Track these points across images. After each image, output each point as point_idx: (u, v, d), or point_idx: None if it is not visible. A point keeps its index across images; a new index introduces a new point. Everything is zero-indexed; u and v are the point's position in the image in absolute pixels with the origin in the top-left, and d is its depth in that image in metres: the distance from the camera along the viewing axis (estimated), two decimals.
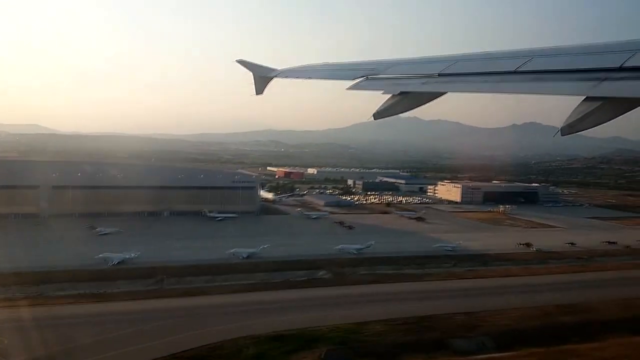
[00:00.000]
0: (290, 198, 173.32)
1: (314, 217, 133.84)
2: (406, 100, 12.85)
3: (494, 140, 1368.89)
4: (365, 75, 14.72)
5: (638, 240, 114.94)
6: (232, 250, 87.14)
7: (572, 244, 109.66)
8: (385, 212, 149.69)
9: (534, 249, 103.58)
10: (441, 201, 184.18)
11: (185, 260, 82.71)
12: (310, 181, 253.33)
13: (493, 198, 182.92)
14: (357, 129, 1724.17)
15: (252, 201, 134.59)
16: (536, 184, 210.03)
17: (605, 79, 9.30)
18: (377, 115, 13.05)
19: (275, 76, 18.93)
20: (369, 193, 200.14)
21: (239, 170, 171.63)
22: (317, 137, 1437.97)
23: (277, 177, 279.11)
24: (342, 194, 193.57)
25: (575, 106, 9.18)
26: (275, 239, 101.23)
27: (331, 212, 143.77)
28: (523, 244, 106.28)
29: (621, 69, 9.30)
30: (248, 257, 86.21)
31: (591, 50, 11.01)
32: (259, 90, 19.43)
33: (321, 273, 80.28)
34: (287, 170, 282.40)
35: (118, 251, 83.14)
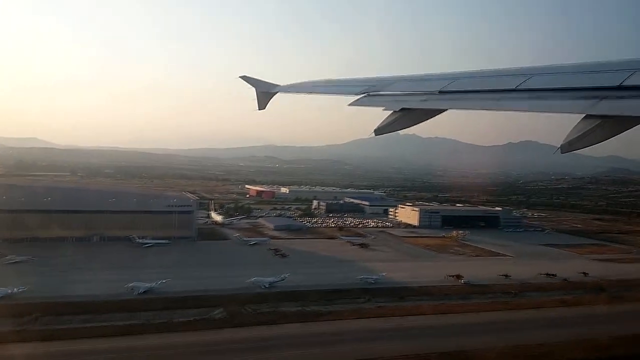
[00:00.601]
0: (243, 220, 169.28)
1: (252, 243, 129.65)
2: (407, 116, 13.13)
3: (490, 158, 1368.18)
4: (366, 91, 15.16)
5: (580, 273, 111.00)
6: (130, 285, 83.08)
7: (506, 275, 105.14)
8: (332, 238, 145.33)
9: (462, 282, 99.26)
10: (400, 225, 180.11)
11: (75, 295, 78.65)
12: (280, 201, 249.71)
13: (452, 222, 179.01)
14: (356, 145, 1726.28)
15: (188, 226, 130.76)
16: (499, 208, 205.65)
17: (605, 98, 9.54)
18: (378, 131, 13.35)
19: (278, 92, 19.47)
20: (330, 215, 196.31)
21: (185, 193, 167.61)
22: (315, 153, 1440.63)
23: (247, 195, 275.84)
24: (303, 216, 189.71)
25: (574, 124, 9.44)
26: (187, 271, 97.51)
27: (276, 237, 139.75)
28: (453, 276, 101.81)
29: (620, 87, 9.51)
30: (145, 292, 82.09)
31: (590, 69, 11.17)
32: (262, 105, 20.00)
33: (216, 312, 76.01)
34: (259, 189, 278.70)
35: (7, 284, 79.25)
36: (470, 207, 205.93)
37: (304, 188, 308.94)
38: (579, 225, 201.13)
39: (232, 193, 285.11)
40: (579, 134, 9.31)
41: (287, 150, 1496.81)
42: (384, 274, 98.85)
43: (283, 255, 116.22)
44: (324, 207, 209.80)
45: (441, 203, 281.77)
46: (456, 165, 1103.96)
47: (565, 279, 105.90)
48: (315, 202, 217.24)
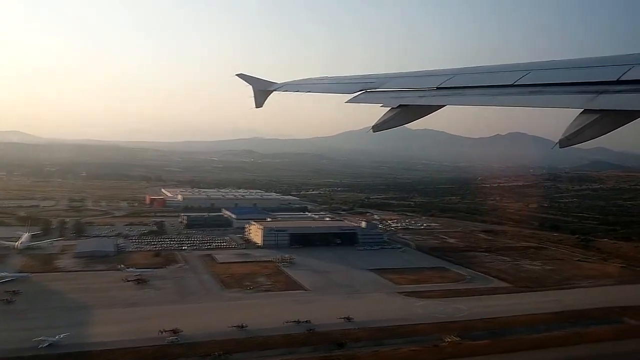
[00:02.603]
0: (58, 243, 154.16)
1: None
2: (405, 113, 13.60)
3: (477, 150, 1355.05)
4: (364, 88, 15.65)
5: (343, 318, 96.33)
6: None
7: (241, 327, 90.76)
8: (117, 269, 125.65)
9: (170, 340, 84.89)
10: (248, 243, 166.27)
11: None
12: (167, 210, 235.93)
13: (302, 240, 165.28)
14: (344, 137, 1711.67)
15: None
16: (364, 222, 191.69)
17: (603, 92, 9.79)
18: (376, 128, 13.84)
19: (275, 90, 20.07)
20: (185, 232, 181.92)
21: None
22: (301, 146, 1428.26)
23: (146, 202, 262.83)
24: (151, 234, 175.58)
25: (564, 116, 9.81)
26: None
27: (54, 270, 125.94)
28: (167, 331, 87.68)
29: (619, 82, 9.79)
30: None
31: (589, 64, 11.42)
32: (259, 103, 20.58)
33: None
34: (152, 196, 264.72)
35: None
36: (331, 222, 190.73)
37: (213, 193, 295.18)
38: (452, 241, 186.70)
39: (133, 200, 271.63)
40: (577, 128, 9.40)
41: (272, 144, 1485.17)
42: (66, 333, 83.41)
43: (8, 301, 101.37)
44: (185, 221, 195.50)
45: (351, 209, 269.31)
46: (442, 158, 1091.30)
47: (311, 330, 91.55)
48: (183, 216, 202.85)
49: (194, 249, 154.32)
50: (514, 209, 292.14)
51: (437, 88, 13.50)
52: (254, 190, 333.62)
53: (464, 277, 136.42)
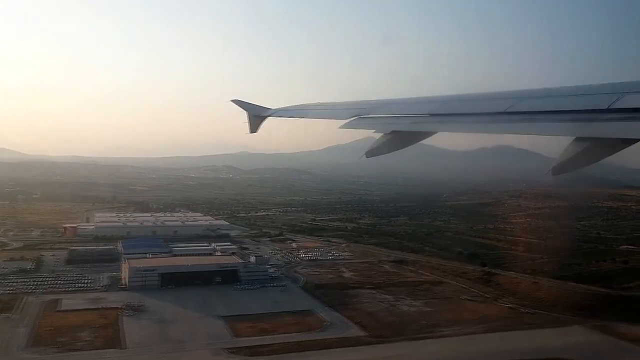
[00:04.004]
0: None
1: None
2: (398, 138, 13.95)
3: (464, 164, 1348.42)
4: (357, 114, 16.17)
5: None
6: None
7: None
8: None
9: None
10: (117, 284, 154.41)
11: None
12: (74, 240, 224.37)
13: (175, 280, 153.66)
14: (331, 151, 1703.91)
15: None
16: (255, 256, 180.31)
17: (594, 120, 10.01)
18: (370, 153, 14.27)
19: (270, 115, 20.65)
20: (68, 267, 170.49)
21: None
22: (286, 160, 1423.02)
23: (63, 231, 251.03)
24: (26, 272, 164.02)
25: (561, 144, 9.98)
26: None
27: None
28: None
29: (609, 110, 9.98)
30: None
31: (580, 92, 11.74)
32: (254, 129, 20.90)
33: None
34: (67, 225, 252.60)
35: None
36: (213, 258, 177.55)
37: (145, 218, 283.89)
38: (348, 275, 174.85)
39: (52, 228, 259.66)
40: (570, 156, 9.63)
41: (258, 158, 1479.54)
42: None
43: None
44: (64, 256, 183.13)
45: (274, 237, 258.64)
46: (427, 172, 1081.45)
47: None
48: (71, 249, 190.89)
49: (46, 292, 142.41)
50: (452, 232, 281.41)
51: (430, 115, 13.90)
52: (192, 214, 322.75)
53: (322, 324, 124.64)
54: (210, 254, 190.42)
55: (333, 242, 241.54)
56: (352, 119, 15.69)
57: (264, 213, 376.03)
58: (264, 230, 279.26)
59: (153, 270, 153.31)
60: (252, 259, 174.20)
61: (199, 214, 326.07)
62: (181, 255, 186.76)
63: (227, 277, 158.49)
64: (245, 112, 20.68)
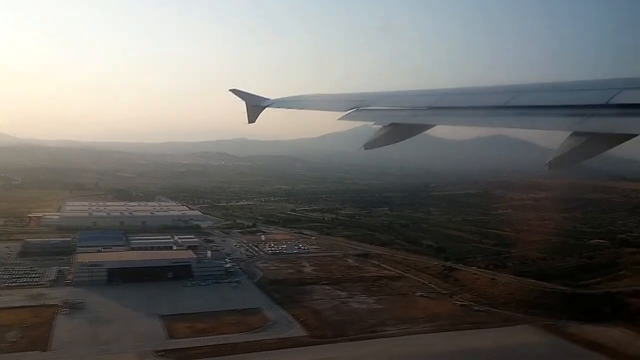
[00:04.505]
0: None
1: None
2: (396, 131, 14.15)
3: (460, 153, 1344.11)
4: (356, 107, 16.24)
5: None
6: None
7: None
8: None
9: None
10: (65, 279, 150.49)
11: None
12: (37, 231, 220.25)
13: (125, 276, 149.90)
14: (328, 139, 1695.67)
15: None
16: (212, 250, 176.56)
17: (592, 115, 10.07)
18: (368, 145, 14.39)
19: (268, 106, 20.75)
20: (19, 261, 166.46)
21: None
22: (282, 148, 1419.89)
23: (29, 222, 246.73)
24: None
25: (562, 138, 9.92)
26: None
27: None
28: None
29: (607, 105, 10.02)
30: None
31: (578, 87, 11.74)
32: (252, 119, 21.14)
33: None
34: (32, 214, 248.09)
35: None
36: (167, 253, 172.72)
37: (115, 207, 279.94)
38: (308, 270, 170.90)
39: (18, 218, 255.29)
40: (567, 150, 9.63)
41: (254, 145, 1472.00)
42: None
43: None
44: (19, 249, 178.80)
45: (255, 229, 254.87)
46: (422, 161, 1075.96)
47: None
48: (25, 241, 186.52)
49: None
50: (429, 224, 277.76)
51: (429, 108, 13.91)
52: (167, 204, 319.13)
53: (264, 323, 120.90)
54: (170, 248, 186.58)
55: (305, 234, 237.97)
56: (351, 110, 15.72)
57: (245, 202, 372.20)
58: (237, 221, 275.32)
59: (100, 265, 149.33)
60: (209, 253, 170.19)
61: (174, 204, 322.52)
62: (139, 249, 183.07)
63: (180, 273, 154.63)
64: (243, 102, 20.75)
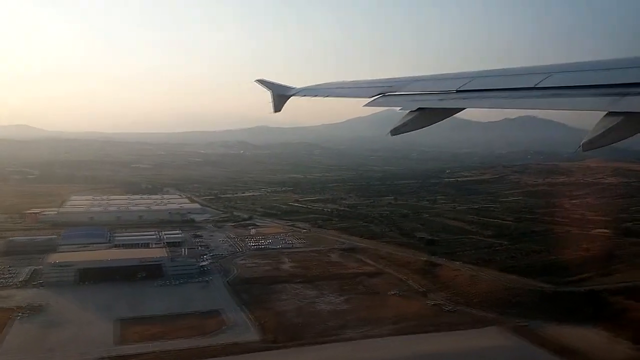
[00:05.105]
0: None
1: None
2: (424, 116, 13.82)
3: (486, 135, 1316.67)
4: (383, 92, 16.16)
5: None
6: None
7: None
8: None
9: None
10: (39, 278, 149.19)
11: None
12: (33, 227, 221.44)
13: (96, 275, 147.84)
14: (351, 124, 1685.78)
15: None
16: (189, 248, 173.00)
17: (627, 94, 9.50)
18: (395, 131, 14.30)
19: (294, 94, 20.83)
20: (1, 259, 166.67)
21: None
22: (304, 134, 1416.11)
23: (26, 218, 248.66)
24: None
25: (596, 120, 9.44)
26: None
27: None
28: None
29: None
30: None
31: (611, 66, 11.16)
32: (278, 108, 21.08)
33: None
34: (30, 211, 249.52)
35: None
36: (139, 252, 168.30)
37: (119, 201, 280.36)
38: (286, 266, 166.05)
39: (19, 213, 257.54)
40: (601, 131, 9.12)
41: (276, 132, 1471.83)
42: None
43: None
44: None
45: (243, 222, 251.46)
46: (447, 144, 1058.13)
47: None
48: (10, 239, 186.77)
49: None
50: (430, 213, 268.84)
51: (457, 91, 13.48)
52: (169, 196, 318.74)
53: (220, 327, 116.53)
54: (153, 245, 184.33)
55: (298, 227, 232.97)
56: (377, 96, 15.71)
57: (250, 193, 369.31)
58: (235, 213, 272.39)
59: (71, 266, 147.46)
60: (184, 251, 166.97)
61: (177, 196, 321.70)
62: (122, 246, 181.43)
63: (152, 272, 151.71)
64: (269, 91, 20.79)
